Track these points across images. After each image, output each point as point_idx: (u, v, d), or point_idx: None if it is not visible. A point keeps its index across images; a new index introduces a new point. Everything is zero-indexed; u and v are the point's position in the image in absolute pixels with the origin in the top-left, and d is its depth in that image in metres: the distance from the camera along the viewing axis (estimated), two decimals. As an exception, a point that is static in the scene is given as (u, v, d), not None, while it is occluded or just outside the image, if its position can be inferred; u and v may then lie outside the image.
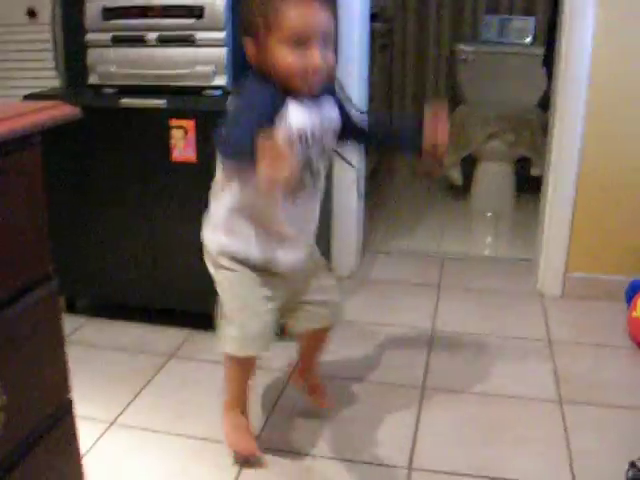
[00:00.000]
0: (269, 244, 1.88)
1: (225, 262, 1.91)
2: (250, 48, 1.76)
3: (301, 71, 1.71)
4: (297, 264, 1.95)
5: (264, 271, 1.91)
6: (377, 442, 2.14)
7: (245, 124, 1.65)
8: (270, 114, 1.70)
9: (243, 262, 1.90)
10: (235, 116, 1.74)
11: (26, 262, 1.20)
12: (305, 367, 2.27)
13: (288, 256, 1.92)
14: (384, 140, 2.10)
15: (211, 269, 1.97)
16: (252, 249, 1.88)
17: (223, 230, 1.90)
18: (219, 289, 1.98)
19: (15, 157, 1.13)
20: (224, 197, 1.89)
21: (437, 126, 1.85)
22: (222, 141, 1.71)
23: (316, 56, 1.70)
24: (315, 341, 2.20)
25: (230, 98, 1.90)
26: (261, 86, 1.74)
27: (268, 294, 1.92)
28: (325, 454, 2.09)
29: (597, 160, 2.94)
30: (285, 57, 1.70)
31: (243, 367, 2.00)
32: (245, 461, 2.04)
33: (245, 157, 1.57)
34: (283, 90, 1.74)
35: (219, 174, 1.91)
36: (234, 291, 1.95)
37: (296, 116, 1.75)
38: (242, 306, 1.94)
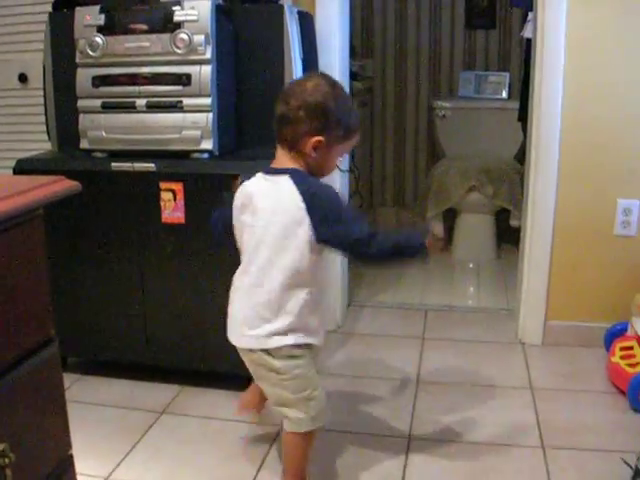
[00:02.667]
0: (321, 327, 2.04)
1: (296, 352, 1.98)
2: (315, 143, 1.88)
3: (328, 174, 2.02)
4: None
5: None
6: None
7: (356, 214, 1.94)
8: None
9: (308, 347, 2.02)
10: (342, 214, 1.91)
11: (31, 326, 1.27)
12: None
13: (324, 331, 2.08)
14: None
15: (277, 364, 1.98)
16: (319, 333, 2.03)
17: (297, 332, 1.96)
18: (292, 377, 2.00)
19: (19, 230, 1.20)
20: (298, 293, 1.94)
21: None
22: (363, 243, 1.89)
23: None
24: None
25: (305, 185, 1.90)
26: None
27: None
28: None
29: (571, 211, 3.03)
30: (333, 164, 2.00)
31: (314, 437, 2.08)
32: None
33: (375, 252, 1.90)
34: None
35: (292, 273, 1.93)
36: (305, 377, 2.02)
37: None
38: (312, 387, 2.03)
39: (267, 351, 1.96)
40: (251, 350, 2.00)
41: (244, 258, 2.01)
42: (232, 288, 2.05)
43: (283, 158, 1.95)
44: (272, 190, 1.92)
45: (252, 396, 2.38)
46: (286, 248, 1.89)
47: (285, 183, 1.89)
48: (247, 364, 2.07)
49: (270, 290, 1.92)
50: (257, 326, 1.96)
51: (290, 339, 1.95)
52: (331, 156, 1.95)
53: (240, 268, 2.02)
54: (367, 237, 1.88)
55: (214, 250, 2.52)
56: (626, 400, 2.64)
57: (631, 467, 2.00)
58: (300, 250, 1.89)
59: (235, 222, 2.01)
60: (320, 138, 1.87)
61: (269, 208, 1.91)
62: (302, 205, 1.86)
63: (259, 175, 1.98)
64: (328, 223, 1.87)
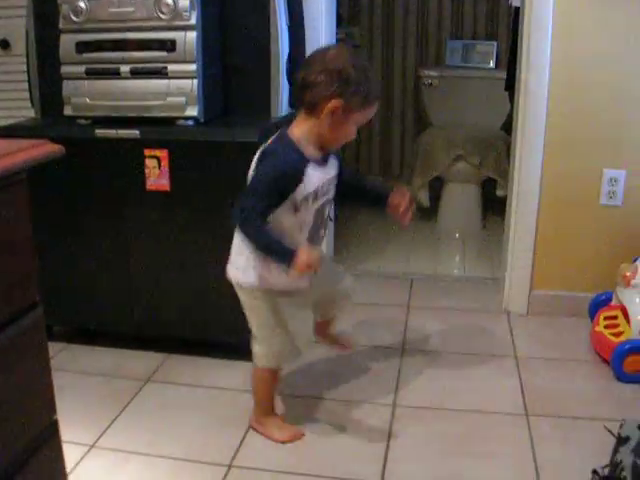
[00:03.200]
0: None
1: (257, 294, 2.16)
2: (333, 106, 1.95)
3: (346, 141, 2.11)
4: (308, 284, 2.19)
5: (285, 294, 2.18)
6: (349, 458, 2.20)
7: (262, 198, 1.97)
8: (288, 189, 2.00)
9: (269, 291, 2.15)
10: (257, 186, 2.01)
11: (15, 291, 1.26)
12: (326, 329, 2.55)
13: (305, 281, 2.14)
14: (358, 196, 2.42)
15: (242, 297, 2.20)
16: (278, 282, 2.12)
17: (253, 270, 2.12)
18: (250, 315, 2.22)
19: (2, 194, 1.19)
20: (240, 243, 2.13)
21: (399, 202, 2.20)
22: (239, 207, 2.00)
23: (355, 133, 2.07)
24: (334, 311, 2.52)
25: (260, 155, 2.05)
26: (292, 157, 2.01)
27: (289, 312, 2.21)
28: (296, 470, 2.15)
29: (557, 181, 3.04)
30: (351, 132, 2.04)
31: (274, 377, 2.30)
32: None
33: (249, 230, 2.00)
34: (304, 155, 2.02)
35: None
36: (262, 316, 2.20)
37: (311, 180, 2.02)
38: (271, 328, 2.20)
39: (238, 284, 2.18)
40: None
41: None
42: None
43: (299, 121, 2.04)
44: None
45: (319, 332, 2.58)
46: None
47: (265, 145, 2.06)
48: None
49: (236, 235, 2.12)
50: (231, 262, 2.19)
51: (243, 278, 2.15)
52: (348, 123, 2.00)
53: None
54: (243, 212, 1.99)
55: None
56: (610, 369, 2.66)
57: (614, 435, 2.01)
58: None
59: None
60: (338, 102, 1.93)
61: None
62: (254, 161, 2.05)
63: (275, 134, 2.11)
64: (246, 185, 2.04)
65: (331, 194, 2.16)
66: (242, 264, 2.13)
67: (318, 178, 2.04)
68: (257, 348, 2.22)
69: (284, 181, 1.98)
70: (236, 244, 2.14)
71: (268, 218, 1.99)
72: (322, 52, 2.00)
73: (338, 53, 1.97)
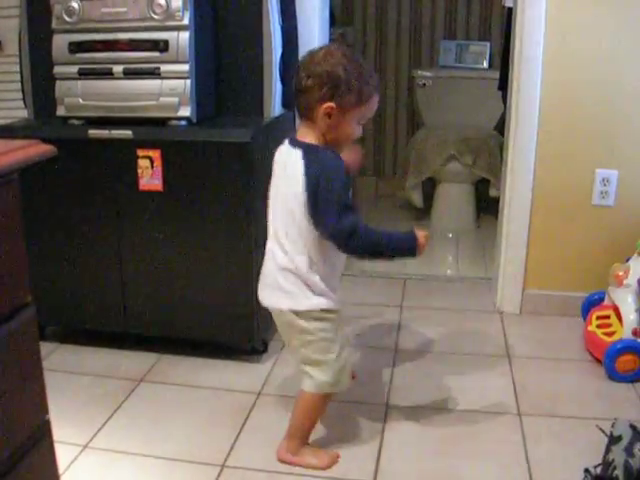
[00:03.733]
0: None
1: (322, 314, 2.06)
2: (327, 110, 1.93)
3: (352, 140, 2.05)
4: None
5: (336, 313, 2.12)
6: (343, 458, 2.20)
7: (350, 208, 1.95)
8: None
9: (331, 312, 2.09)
10: (340, 200, 1.93)
11: (7, 291, 1.26)
12: None
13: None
14: None
15: (301, 324, 2.06)
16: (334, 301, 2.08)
17: (316, 293, 2.04)
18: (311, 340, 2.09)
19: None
20: (314, 269, 2.02)
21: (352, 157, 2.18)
22: (341, 232, 1.94)
23: (361, 131, 2.04)
24: None
25: (311, 167, 1.95)
26: (338, 158, 1.98)
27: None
28: (290, 470, 2.15)
29: (550, 181, 3.04)
30: (354, 130, 2.00)
31: (327, 403, 2.20)
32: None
33: (365, 244, 1.98)
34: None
35: (305, 253, 2.02)
36: (328, 339, 2.09)
37: None
38: (336, 351, 2.11)
39: (296, 313, 2.04)
40: (281, 311, 2.08)
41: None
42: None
43: (302, 129, 2.01)
44: (289, 162, 1.99)
45: None
46: (293, 220, 1.98)
47: (297, 157, 1.96)
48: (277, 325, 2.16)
49: (290, 259, 2.01)
50: (285, 289, 2.04)
51: (316, 303, 2.03)
52: (346, 122, 1.98)
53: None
54: (348, 231, 1.93)
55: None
56: (602, 368, 2.67)
57: (606, 434, 2.02)
58: (302, 224, 1.97)
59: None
60: (331, 104, 1.92)
61: (283, 179, 2.01)
62: (302, 181, 1.92)
63: (286, 142, 2.05)
64: (316, 208, 1.93)
65: None
66: (296, 289, 2.03)
67: None
68: (318, 374, 2.09)
69: (348, 184, 2.00)
70: (282, 270, 2.03)
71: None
72: (310, 56, 1.97)
73: (326, 54, 1.94)
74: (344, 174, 1.96)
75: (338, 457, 2.21)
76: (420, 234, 2.00)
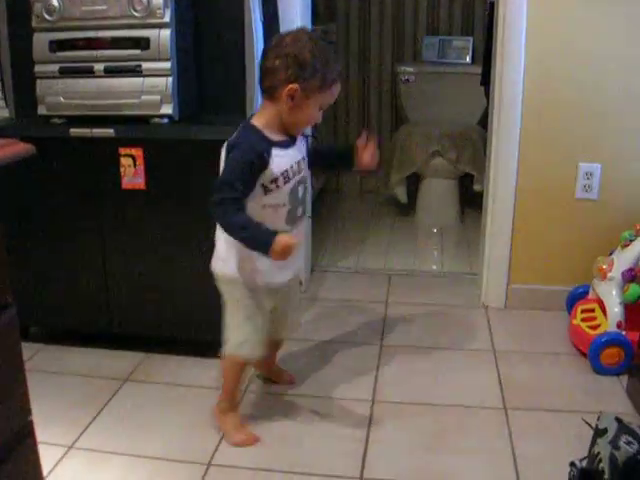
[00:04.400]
0: (270, 269, 2.16)
1: (237, 284, 2.19)
2: (290, 91, 2.00)
3: (310, 124, 2.20)
4: (287, 281, 2.29)
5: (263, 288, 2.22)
6: (329, 454, 2.20)
7: (234, 187, 2.00)
8: (256, 174, 2.05)
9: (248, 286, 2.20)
10: (227, 176, 2.04)
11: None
12: (268, 363, 2.58)
13: (283, 275, 2.25)
14: (324, 159, 2.45)
15: (223, 287, 2.24)
16: (257, 277, 2.19)
17: (233, 264, 2.17)
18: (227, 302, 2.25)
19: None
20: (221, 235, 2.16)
21: (366, 153, 2.31)
22: (214, 200, 2.01)
23: (320, 116, 2.15)
24: (275, 346, 2.55)
25: (227, 147, 2.08)
26: (256, 142, 2.06)
27: (264, 307, 2.26)
28: (275, 468, 2.15)
29: (533, 175, 3.05)
30: (313, 114, 2.10)
31: (241, 368, 2.33)
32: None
33: (227, 221, 2.04)
34: (268, 139, 2.07)
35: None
36: (239, 303, 2.23)
37: (278, 161, 2.07)
38: (244, 316, 2.24)
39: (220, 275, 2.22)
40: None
41: None
42: None
43: (262, 108, 2.12)
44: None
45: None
46: None
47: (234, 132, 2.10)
48: None
49: (218, 227, 2.15)
50: (215, 255, 2.23)
51: (225, 269, 2.19)
52: (307, 106, 2.05)
53: None
54: (219, 205, 2.01)
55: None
56: (587, 362, 2.68)
57: (592, 427, 2.02)
58: None
59: None
60: (295, 86, 1.99)
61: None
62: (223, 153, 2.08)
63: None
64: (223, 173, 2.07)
65: (303, 174, 2.20)
66: (223, 255, 2.18)
67: (286, 160, 2.10)
68: (228, 335, 2.25)
69: (252, 166, 2.02)
70: (219, 236, 2.18)
71: (244, 206, 2.02)
72: (279, 38, 2.05)
73: (294, 38, 2.01)
74: (253, 158, 2.02)
75: (255, 440, 2.28)
76: (281, 240, 1.95)
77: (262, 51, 2.10)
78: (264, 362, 2.53)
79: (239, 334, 2.24)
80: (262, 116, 2.09)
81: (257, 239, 2.00)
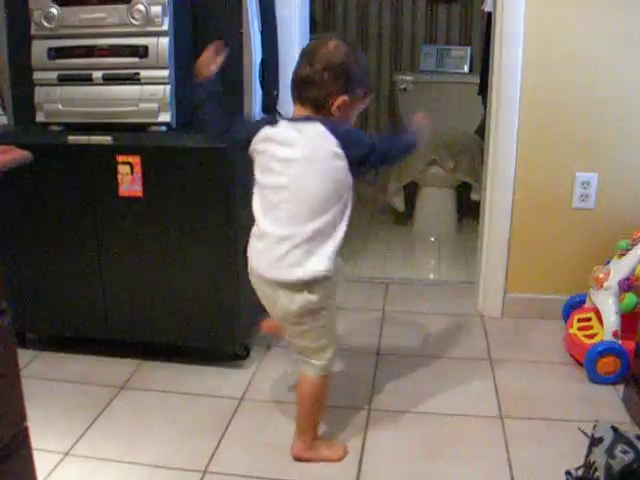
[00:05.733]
0: None
1: (330, 288, 2.11)
2: (340, 102, 1.98)
3: None
4: None
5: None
6: (325, 463, 2.20)
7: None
8: None
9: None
10: (365, 138, 2.06)
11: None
12: None
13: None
14: None
15: (321, 301, 2.08)
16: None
17: (328, 257, 2.05)
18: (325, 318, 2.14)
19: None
20: (336, 233, 2.07)
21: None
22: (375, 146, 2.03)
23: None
24: None
25: (337, 134, 1.98)
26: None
27: None
28: (270, 475, 2.14)
29: (530, 185, 3.05)
30: (353, 121, 2.10)
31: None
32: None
33: (393, 154, 2.16)
34: None
35: (329, 214, 2.04)
36: (332, 314, 2.18)
37: None
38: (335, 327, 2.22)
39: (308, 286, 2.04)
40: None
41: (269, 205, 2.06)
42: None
43: (305, 112, 2.03)
44: (302, 138, 1.99)
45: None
46: (329, 192, 2.01)
47: (317, 128, 1.97)
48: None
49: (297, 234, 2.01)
50: (295, 264, 2.02)
51: (324, 266, 2.04)
52: (352, 114, 2.07)
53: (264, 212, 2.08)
54: (381, 152, 2.04)
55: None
56: (583, 371, 2.68)
57: (588, 436, 2.03)
58: (341, 190, 2.04)
59: (256, 163, 2.09)
60: (345, 98, 1.97)
61: (302, 157, 1.98)
62: (335, 141, 1.95)
63: (284, 123, 2.04)
64: (362, 148, 2.00)
65: None
66: (329, 253, 2.04)
67: None
68: (321, 356, 2.15)
69: None
70: (301, 243, 2.01)
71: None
72: (322, 46, 1.98)
73: (337, 46, 1.97)
74: None
75: (347, 448, 2.25)
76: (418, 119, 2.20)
77: (300, 58, 2.02)
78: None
79: (334, 349, 2.17)
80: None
81: (410, 136, 2.17)
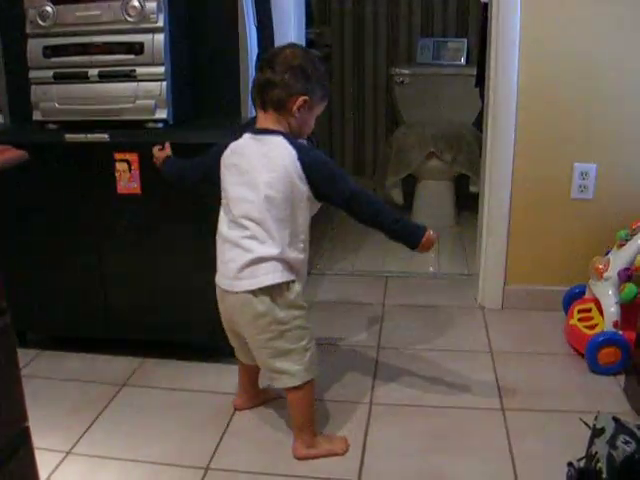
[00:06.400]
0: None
1: (297, 291, 2.12)
2: (301, 102, 2.04)
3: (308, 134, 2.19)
4: None
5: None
6: (327, 458, 2.20)
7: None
8: None
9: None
10: (341, 173, 2.10)
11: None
12: (252, 392, 2.48)
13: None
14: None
15: (282, 313, 2.08)
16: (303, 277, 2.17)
17: (294, 272, 2.11)
18: (294, 327, 2.12)
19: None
20: (295, 242, 2.11)
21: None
22: (353, 196, 2.06)
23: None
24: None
25: (303, 156, 2.03)
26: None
27: None
28: (273, 471, 2.14)
29: (528, 176, 3.06)
30: (312, 124, 2.15)
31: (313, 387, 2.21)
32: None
33: (376, 208, 2.10)
34: None
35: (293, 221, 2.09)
36: (303, 319, 2.15)
37: None
38: (309, 332, 2.17)
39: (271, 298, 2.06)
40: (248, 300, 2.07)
41: (231, 213, 2.10)
42: (221, 240, 2.16)
43: (267, 121, 2.08)
44: (265, 150, 2.05)
45: (242, 399, 2.49)
46: (287, 204, 2.04)
47: (279, 143, 2.04)
48: (239, 322, 2.15)
49: (270, 244, 2.04)
50: (258, 270, 2.05)
51: (284, 275, 2.07)
52: (311, 116, 2.12)
53: (226, 220, 2.13)
54: (359, 192, 2.07)
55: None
56: (584, 362, 2.68)
57: (589, 427, 2.02)
58: (300, 205, 2.07)
59: (223, 181, 2.14)
60: (305, 97, 2.04)
61: (263, 167, 2.04)
62: (298, 164, 2.01)
63: (247, 136, 2.10)
64: (329, 182, 2.06)
65: None
66: (273, 264, 2.04)
67: None
68: (297, 363, 2.12)
69: None
70: (269, 240, 2.04)
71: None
72: (277, 52, 2.09)
73: (295, 51, 2.07)
74: None
75: (347, 440, 2.26)
76: (431, 235, 2.13)
77: (260, 65, 2.09)
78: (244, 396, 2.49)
79: (308, 355, 2.14)
80: (279, 126, 2.08)
81: (409, 228, 2.14)
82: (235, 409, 2.47)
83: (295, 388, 2.14)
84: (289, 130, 2.08)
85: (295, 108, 2.04)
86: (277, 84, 2.02)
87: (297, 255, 2.09)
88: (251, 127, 2.12)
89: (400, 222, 2.11)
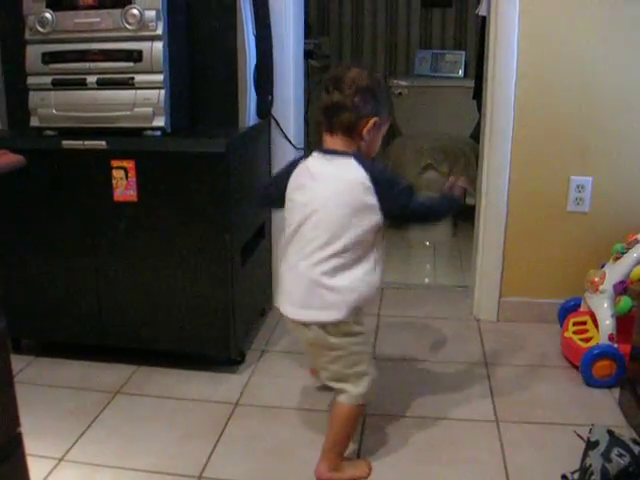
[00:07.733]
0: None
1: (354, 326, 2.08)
2: (372, 122, 2.00)
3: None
4: None
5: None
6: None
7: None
8: None
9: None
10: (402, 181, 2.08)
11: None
12: None
13: None
14: None
15: (333, 339, 2.05)
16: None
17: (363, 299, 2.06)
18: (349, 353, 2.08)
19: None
20: (364, 264, 2.06)
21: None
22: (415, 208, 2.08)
23: None
24: None
25: (373, 175, 1.98)
26: None
27: None
28: (270, 481, 2.14)
29: (525, 189, 3.06)
30: (379, 143, 2.10)
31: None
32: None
33: (435, 211, 2.21)
34: None
35: (359, 244, 2.04)
36: (366, 344, 2.18)
37: None
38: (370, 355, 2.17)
39: (324, 327, 2.03)
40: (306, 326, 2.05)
41: (296, 236, 2.05)
42: (285, 265, 2.12)
43: (334, 144, 2.03)
44: (335, 171, 2.01)
45: None
46: (352, 227, 1.98)
47: (350, 164, 1.98)
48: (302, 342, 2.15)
49: (331, 268, 2.00)
50: (323, 304, 2.02)
51: (350, 305, 2.02)
52: (379, 137, 2.08)
53: (292, 244, 2.08)
54: (420, 207, 2.10)
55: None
56: (579, 374, 2.67)
57: (584, 440, 2.03)
58: (367, 229, 2.01)
59: (288, 200, 2.09)
60: (376, 119, 2.00)
61: (333, 189, 1.99)
62: (369, 185, 1.96)
63: (317, 155, 2.06)
64: (396, 199, 2.01)
65: None
66: (340, 297, 2.01)
67: None
68: (354, 385, 2.08)
69: None
70: (326, 279, 2.00)
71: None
72: (345, 73, 2.00)
73: (359, 73, 2.00)
74: None
75: (370, 463, 2.21)
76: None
77: (325, 86, 2.02)
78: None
79: (366, 380, 2.10)
80: (347, 149, 2.03)
81: (455, 200, 2.21)
82: (312, 375, 2.60)
83: (349, 406, 2.11)
84: (358, 151, 2.03)
85: (365, 131, 1.99)
86: (347, 107, 1.97)
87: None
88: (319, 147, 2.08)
89: (444, 212, 2.25)
